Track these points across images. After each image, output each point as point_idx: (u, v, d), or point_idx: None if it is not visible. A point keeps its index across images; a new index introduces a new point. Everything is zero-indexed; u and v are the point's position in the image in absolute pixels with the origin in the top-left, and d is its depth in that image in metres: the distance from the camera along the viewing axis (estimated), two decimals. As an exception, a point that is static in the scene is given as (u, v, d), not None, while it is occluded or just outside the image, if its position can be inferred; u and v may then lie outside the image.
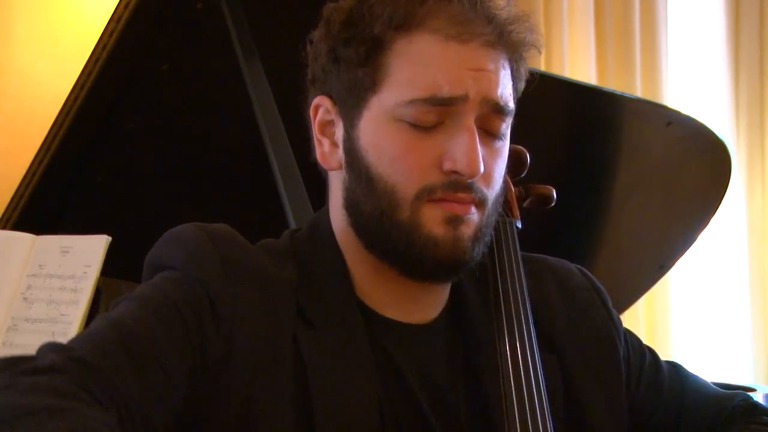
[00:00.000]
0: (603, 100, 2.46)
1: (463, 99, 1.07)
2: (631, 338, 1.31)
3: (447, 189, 1.08)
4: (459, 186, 1.08)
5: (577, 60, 3.77)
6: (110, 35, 1.93)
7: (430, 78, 1.06)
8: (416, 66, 1.07)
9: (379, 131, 1.09)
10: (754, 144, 4.23)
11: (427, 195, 1.08)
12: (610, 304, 1.30)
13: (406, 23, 1.07)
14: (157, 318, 1.03)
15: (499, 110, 1.09)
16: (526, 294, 1.21)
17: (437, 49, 1.07)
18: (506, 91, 1.10)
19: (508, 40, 1.10)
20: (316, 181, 1.28)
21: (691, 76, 4.20)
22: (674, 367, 1.33)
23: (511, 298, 1.20)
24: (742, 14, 4.22)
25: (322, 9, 1.15)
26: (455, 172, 1.07)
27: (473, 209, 1.10)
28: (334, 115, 1.14)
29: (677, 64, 4.12)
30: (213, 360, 1.04)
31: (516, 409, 1.13)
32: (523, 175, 1.37)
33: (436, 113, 1.07)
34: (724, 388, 1.27)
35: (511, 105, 1.11)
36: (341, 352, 1.09)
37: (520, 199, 1.36)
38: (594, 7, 3.85)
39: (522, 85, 1.15)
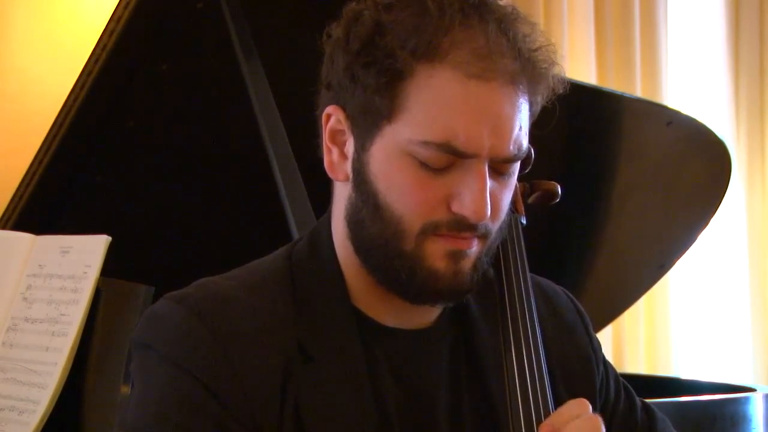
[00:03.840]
0: (603, 100, 2.45)
1: (476, 155, 1.06)
2: (610, 370, 1.31)
3: (452, 227, 1.08)
4: (463, 226, 1.08)
5: (577, 60, 3.76)
6: (110, 35, 1.93)
7: (447, 123, 1.04)
8: (434, 106, 1.04)
9: (390, 162, 1.07)
10: (754, 144, 4.23)
11: (432, 230, 1.08)
12: (592, 329, 1.31)
13: (429, 54, 1.04)
14: None
15: (510, 160, 1.09)
16: (531, 293, 1.21)
17: (458, 90, 1.04)
18: (521, 135, 1.08)
19: (531, 73, 1.08)
20: (316, 181, 1.27)
21: (691, 76, 4.19)
22: (647, 408, 1.33)
23: (516, 296, 1.20)
24: (742, 14, 4.22)
25: (344, 7, 1.11)
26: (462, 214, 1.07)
27: (475, 242, 1.10)
28: (346, 129, 1.12)
29: (677, 64, 4.12)
30: None
31: (521, 409, 1.12)
32: (527, 171, 1.36)
33: (448, 158, 1.06)
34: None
35: (524, 148, 1.09)
36: (338, 383, 1.09)
37: (525, 195, 1.34)
38: (594, 7, 3.84)
39: (538, 108, 1.13)
